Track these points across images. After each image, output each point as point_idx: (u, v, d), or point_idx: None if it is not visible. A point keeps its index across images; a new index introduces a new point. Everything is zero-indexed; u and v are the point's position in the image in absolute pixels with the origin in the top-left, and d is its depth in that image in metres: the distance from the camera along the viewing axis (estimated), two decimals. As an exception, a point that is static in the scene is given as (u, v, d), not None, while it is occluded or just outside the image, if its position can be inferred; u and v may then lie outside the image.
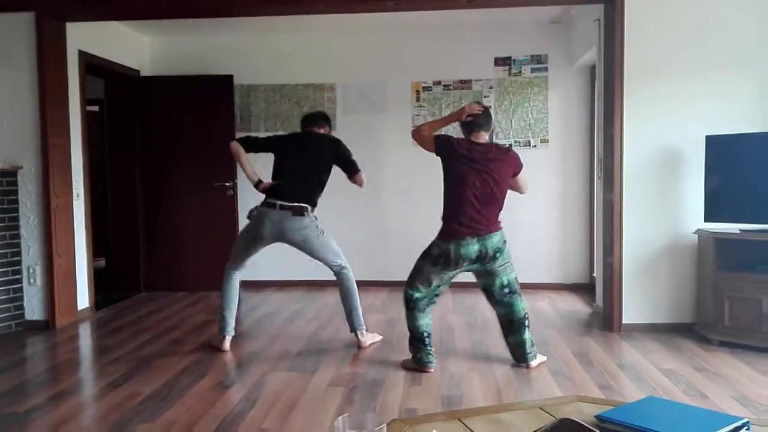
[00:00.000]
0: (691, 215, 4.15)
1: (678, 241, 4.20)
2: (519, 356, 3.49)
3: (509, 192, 3.48)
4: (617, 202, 4.20)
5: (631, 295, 4.23)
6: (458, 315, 4.81)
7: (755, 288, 3.73)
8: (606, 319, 4.38)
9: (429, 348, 3.46)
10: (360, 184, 3.96)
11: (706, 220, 4.00)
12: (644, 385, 3.15)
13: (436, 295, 3.51)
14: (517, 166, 3.46)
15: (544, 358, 3.55)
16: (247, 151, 3.86)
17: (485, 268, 3.39)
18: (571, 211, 5.90)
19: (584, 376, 3.32)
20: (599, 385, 3.17)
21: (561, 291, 5.75)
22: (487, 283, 3.46)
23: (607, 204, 4.33)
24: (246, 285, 5.97)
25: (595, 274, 5.31)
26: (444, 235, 3.39)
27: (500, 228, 3.41)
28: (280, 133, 5.60)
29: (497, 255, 3.36)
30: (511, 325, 3.47)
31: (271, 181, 3.87)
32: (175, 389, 3.19)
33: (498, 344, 3.92)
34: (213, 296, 5.66)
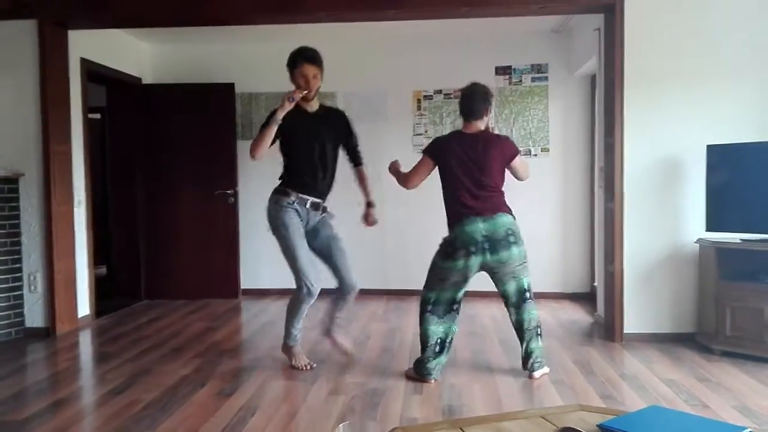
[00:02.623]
0: (692, 224, 4.15)
1: (679, 250, 4.19)
2: (525, 363, 3.47)
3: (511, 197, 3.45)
4: (618, 210, 4.20)
5: (633, 305, 4.22)
6: (459, 324, 4.79)
7: (757, 297, 3.72)
8: (607, 329, 4.37)
9: (431, 358, 3.39)
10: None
11: (707, 230, 4.00)
12: (646, 395, 3.14)
13: (456, 302, 3.43)
14: (511, 152, 3.41)
15: (547, 370, 3.52)
16: None
17: (500, 258, 3.27)
18: (571, 220, 5.90)
19: (586, 386, 3.31)
20: (601, 395, 3.15)
21: (562, 300, 5.74)
22: (505, 287, 3.39)
23: (608, 212, 4.33)
24: (247, 293, 5.99)
25: (596, 284, 5.31)
26: (449, 225, 3.38)
27: (510, 212, 3.37)
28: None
29: (511, 239, 3.28)
30: (524, 333, 3.43)
31: None
32: (176, 397, 3.18)
33: (499, 353, 3.91)
34: (213, 304, 5.66)
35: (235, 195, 5.90)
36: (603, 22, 4.43)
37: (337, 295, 3.73)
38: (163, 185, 5.93)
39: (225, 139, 5.88)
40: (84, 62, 5.04)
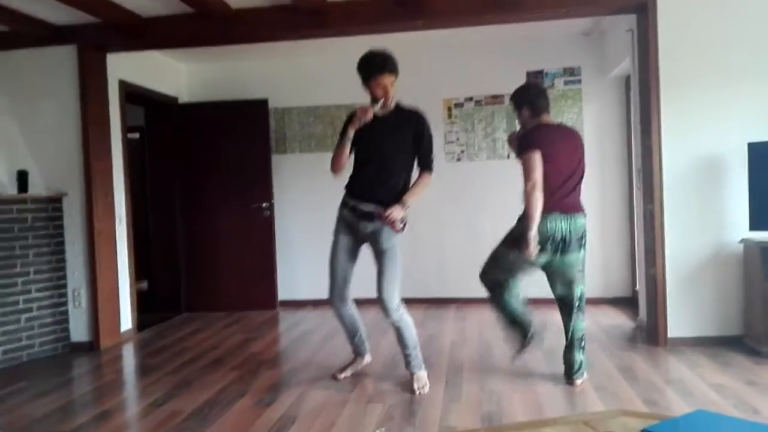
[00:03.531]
0: (735, 224, 4.03)
1: (722, 250, 4.07)
2: (568, 373, 3.41)
3: None
4: (658, 212, 4.11)
5: (676, 308, 4.11)
6: (496, 331, 4.73)
7: (807, 298, 3.58)
8: (650, 333, 4.26)
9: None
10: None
11: (751, 229, 3.88)
12: (692, 400, 3.05)
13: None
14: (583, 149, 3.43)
15: (587, 376, 3.46)
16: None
17: (568, 260, 3.26)
18: (610, 224, 5.79)
19: (629, 392, 3.23)
20: (645, 401, 3.07)
21: (602, 305, 5.63)
22: (563, 291, 3.36)
23: (648, 215, 4.24)
24: (284, 305, 6.04)
25: (637, 288, 5.19)
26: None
27: (584, 213, 3.36)
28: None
29: (583, 241, 3.29)
30: (572, 342, 3.39)
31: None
32: (216, 407, 3.22)
33: (539, 359, 3.84)
34: (251, 315, 5.72)
35: (271, 208, 5.97)
36: (635, 22, 4.36)
37: None
38: (201, 200, 6.04)
39: (260, 154, 5.96)
40: (122, 84, 5.19)
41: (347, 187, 3.52)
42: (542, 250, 3.21)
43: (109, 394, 3.63)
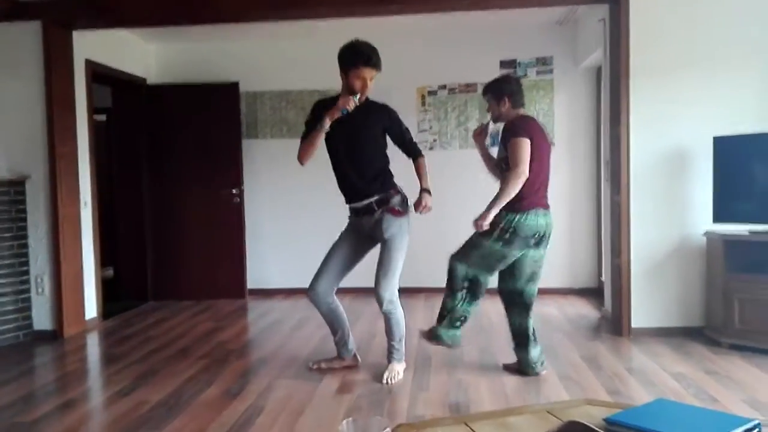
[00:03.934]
0: (699, 216, 4.12)
1: (686, 242, 4.16)
2: (531, 368, 3.39)
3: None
4: (624, 203, 4.17)
5: (640, 299, 4.19)
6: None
7: (765, 289, 3.68)
8: (615, 323, 4.34)
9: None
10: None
11: (715, 221, 3.97)
12: (654, 389, 3.12)
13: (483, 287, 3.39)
14: None
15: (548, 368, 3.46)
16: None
17: (539, 255, 3.28)
18: (578, 215, 5.86)
19: (593, 381, 3.29)
20: (608, 390, 3.13)
21: (569, 295, 5.71)
22: (524, 286, 3.33)
23: (614, 206, 4.30)
24: (254, 293, 5.99)
25: (603, 278, 5.28)
26: (517, 210, 3.21)
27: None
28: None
29: (549, 238, 3.30)
30: (528, 338, 3.38)
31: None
32: (183, 398, 3.18)
33: (506, 350, 3.88)
34: (220, 304, 5.67)
35: (241, 194, 5.90)
36: (608, 13, 4.39)
37: None
38: (169, 186, 5.95)
39: (230, 138, 5.88)
40: (89, 63, 5.05)
41: (341, 191, 3.50)
42: (527, 245, 3.22)
43: (72, 383, 3.57)
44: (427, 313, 4.97)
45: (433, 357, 3.81)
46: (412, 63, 5.90)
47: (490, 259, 3.26)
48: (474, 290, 3.33)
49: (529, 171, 3.15)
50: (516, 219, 3.17)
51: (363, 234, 3.48)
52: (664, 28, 4.12)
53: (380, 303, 3.37)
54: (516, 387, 3.24)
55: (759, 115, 4.04)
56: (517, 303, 3.38)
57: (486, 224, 3.14)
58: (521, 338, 3.39)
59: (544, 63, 5.83)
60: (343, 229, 3.58)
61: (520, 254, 3.27)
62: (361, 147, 3.37)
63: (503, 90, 3.37)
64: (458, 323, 3.37)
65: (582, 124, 5.82)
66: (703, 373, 3.36)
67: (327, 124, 3.24)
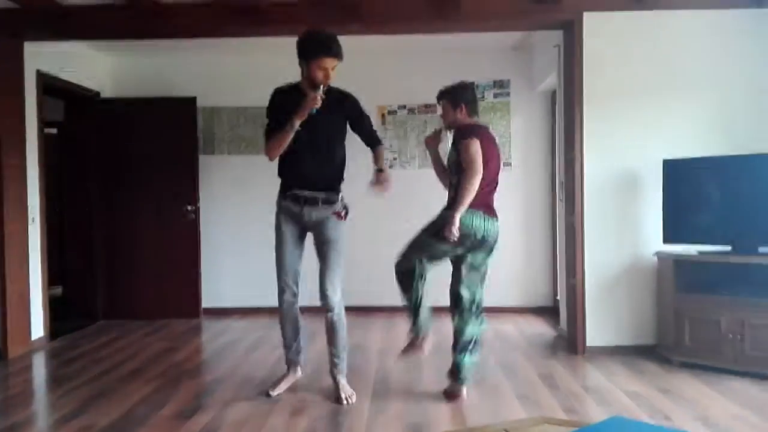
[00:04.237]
0: (650, 237, 4.23)
1: (639, 262, 4.26)
2: (454, 375, 3.38)
3: None
4: (579, 224, 4.26)
5: (595, 318, 4.27)
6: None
7: (714, 309, 3.79)
8: (570, 342, 4.40)
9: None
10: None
11: (664, 242, 4.08)
12: (609, 408, 3.16)
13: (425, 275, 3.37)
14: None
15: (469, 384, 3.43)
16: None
17: (472, 261, 3.29)
18: (534, 234, 5.95)
19: (550, 399, 3.31)
20: (565, 408, 3.16)
21: (526, 314, 5.78)
22: (463, 290, 3.33)
23: (569, 226, 4.38)
24: (208, 312, 5.86)
25: (558, 297, 5.36)
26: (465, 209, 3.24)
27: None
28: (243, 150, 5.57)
29: (493, 247, 3.31)
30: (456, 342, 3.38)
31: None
32: (133, 421, 3.07)
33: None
34: (173, 324, 5.53)
35: (197, 211, 5.79)
36: (562, 38, 4.51)
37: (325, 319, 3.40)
38: (122, 201, 5.80)
39: (186, 154, 5.78)
40: (40, 75, 4.90)
41: (283, 175, 3.38)
42: (461, 243, 3.21)
43: (16, 406, 3.40)
44: (385, 333, 4.94)
45: (392, 376, 3.78)
46: (373, 81, 5.92)
47: (430, 249, 3.27)
48: (422, 273, 3.31)
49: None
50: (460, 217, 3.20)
51: (301, 225, 3.38)
52: (616, 53, 4.25)
53: (330, 307, 3.30)
54: (473, 406, 3.24)
55: (707, 139, 4.19)
56: (456, 305, 3.38)
57: (455, 230, 3.12)
58: (455, 341, 3.39)
59: (501, 86, 5.94)
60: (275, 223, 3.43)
61: (457, 253, 3.27)
62: (325, 138, 3.29)
63: (460, 98, 3.42)
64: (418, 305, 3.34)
65: (537, 146, 5.94)
66: (656, 391, 3.43)
67: (296, 124, 3.15)
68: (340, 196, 3.40)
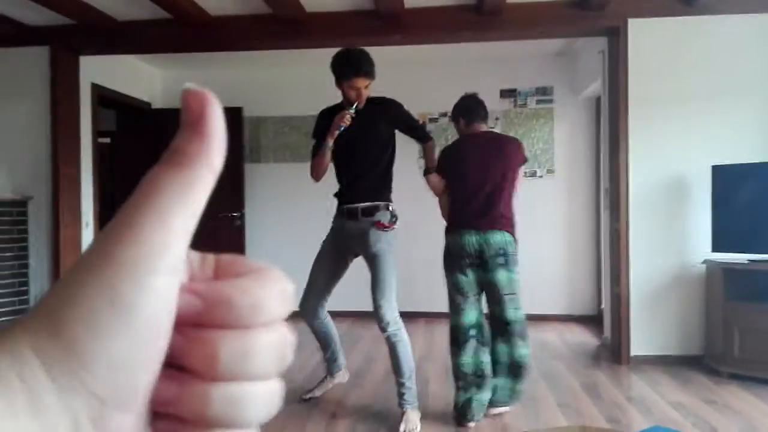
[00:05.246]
0: (698, 245, 4.13)
1: (686, 271, 4.17)
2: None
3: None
4: (624, 231, 4.19)
5: (640, 327, 4.19)
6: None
7: (765, 319, 3.68)
8: (614, 351, 4.32)
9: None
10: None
11: (713, 250, 3.98)
12: (653, 419, 3.10)
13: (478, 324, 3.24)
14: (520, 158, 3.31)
15: (508, 408, 3.24)
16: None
17: (489, 280, 3.10)
18: (578, 242, 5.88)
19: (592, 409, 3.27)
20: (607, 418, 3.11)
21: (568, 322, 5.70)
22: (494, 309, 3.18)
23: (614, 234, 4.32)
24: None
25: (603, 306, 5.27)
26: (446, 230, 3.27)
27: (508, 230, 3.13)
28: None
29: (503, 261, 3.06)
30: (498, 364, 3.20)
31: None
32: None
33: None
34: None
35: (242, 218, 5.93)
36: (607, 45, 4.46)
37: None
38: (171, 208, 5.96)
39: (233, 163, 5.92)
40: (95, 87, 5.12)
41: (337, 195, 3.34)
42: (459, 267, 3.13)
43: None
44: (428, 338, 4.95)
45: (431, 380, 3.79)
46: (414, 89, 5.94)
47: (451, 294, 3.21)
48: (480, 335, 3.17)
49: (451, 191, 3.26)
50: (445, 242, 3.25)
51: (345, 243, 3.26)
52: (661, 59, 4.18)
53: (384, 327, 3.03)
54: (514, 415, 3.22)
55: (756, 145, 4.08)
56: (492, 328, 3.21)
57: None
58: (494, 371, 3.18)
59: (543, 92, 5.90)
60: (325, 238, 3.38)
61: (466, 277, 3.15)
62: (363, 150, 3.23)
63: (454, 113, 3.43)
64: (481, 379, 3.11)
65: (581, 152, 5.87)
66: (702, 402, 3.34)
67: (330, 143, 3.16)
68: (384, 204, 3.24)
